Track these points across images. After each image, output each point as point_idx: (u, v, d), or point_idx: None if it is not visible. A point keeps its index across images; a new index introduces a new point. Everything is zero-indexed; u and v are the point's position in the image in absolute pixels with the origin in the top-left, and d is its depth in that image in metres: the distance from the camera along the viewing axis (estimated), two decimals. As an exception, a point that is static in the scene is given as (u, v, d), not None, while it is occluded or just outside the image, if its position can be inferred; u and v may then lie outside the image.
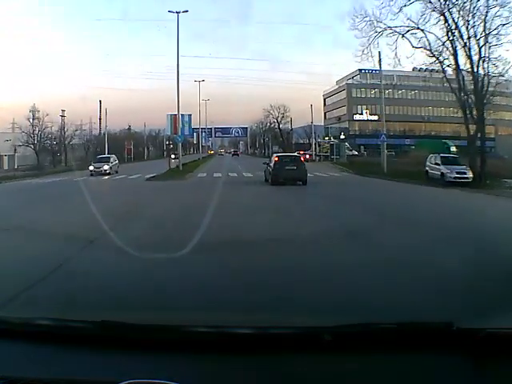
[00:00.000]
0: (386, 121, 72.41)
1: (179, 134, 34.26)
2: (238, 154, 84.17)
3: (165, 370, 1.39)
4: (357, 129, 72.54)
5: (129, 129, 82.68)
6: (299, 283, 4.34)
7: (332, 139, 63.63)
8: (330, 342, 1.46)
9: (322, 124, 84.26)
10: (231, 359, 1.45)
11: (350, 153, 51.57)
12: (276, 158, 20.22)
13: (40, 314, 1.84)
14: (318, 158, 48.77)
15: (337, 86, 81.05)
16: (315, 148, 54.81)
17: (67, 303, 3.47)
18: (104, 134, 58.00)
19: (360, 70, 75.79)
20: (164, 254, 5.08)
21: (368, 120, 72.59)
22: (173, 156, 35.91)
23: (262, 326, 1.64)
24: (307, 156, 46.59)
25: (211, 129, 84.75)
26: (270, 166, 20.21)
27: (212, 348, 1.47)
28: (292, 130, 73.96)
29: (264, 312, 2.99)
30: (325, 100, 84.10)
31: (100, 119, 56.50)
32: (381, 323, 1.63)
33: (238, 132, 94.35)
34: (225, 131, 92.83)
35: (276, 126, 74.68)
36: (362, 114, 72.95)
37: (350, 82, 74.72)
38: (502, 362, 1.40)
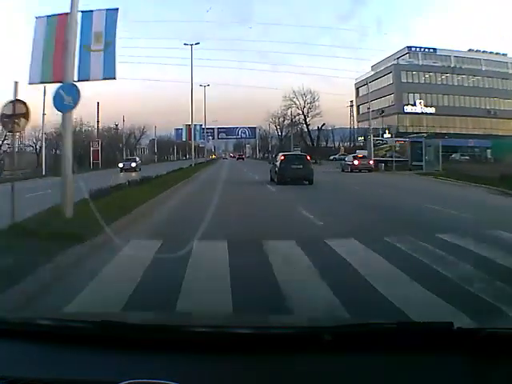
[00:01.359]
0: (443, 115, 54.60)
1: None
2: (242, 158, 78.50)
3: (165, 369, 1.38)
4: (408, 124, 54.08)
5: (116, 129, 67.68)
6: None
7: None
8: (330, 342, 1.45)
9: (348, 126, 67.94)
10: (231, 359, 1.43)
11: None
12: (282, 157, 19.73)
13: (40, 314, 1.89)
14: (382, 165, 30.61)
15: (373, 72, 62.99)
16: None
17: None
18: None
19: (409, 47, 57.56)
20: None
21: (422, 113, 54.14)
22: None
23: (262, 326, 1.64)
24: (370, 162, 28.42)
25: (213, 129, 71.55)
26: (276, 165, 19.75)
27: (212, 348, 1.46)
28: (324, 125, 55.22)
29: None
30: (357, 90, 65.84)
31: (98, 122, 53.32)
32: (381, 323, 1.61)
33: (244, 133, 79.97)
34: (229, 132, 78.74)
35: (300, 120, 55.54)
36: (414, 104, 54.53)
37: (393, 63, 56.25)
38: (501, 361, 1.38)
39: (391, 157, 34.74)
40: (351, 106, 71.22)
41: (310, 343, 1.45)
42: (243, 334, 1.54)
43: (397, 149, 36.61)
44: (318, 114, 54.01)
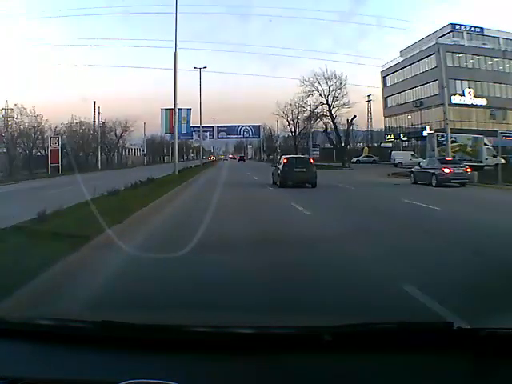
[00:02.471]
0: (495, 107, 44.08)
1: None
2: (243, 159, 78.38)
3: (165, 369, 1.37)
4: (452, 118, 43.30)
5: (102, 126, 59.55)
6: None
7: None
8: (330, 342, 1.44)
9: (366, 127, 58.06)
10: (231, 359, 1.43)
11: (493, 160, 25.97)
12: (285, 160, 19.25)
13: (40, 314, 1.85)
14: (475, 174, 19.94)
15: (402, 59, 52.63)
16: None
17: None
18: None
19: (453, 24, 47.00)
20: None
21: (472, 105, 43.52)
22: None
23: (262, 326, 1.63)
24: (468, 170, 17.82)
25: (212, 127, 66.13)
26: (278, 168, 19.21)
27: (212, 348, 1.46)
28: (355, 117, 44.36)
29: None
30: (384, 79, 55.44)
31: (94, 122, 51.42)
32: (381, 323, 1.59)
33: (247, 131, 70.98)
34: (230, 130, 69.86)
35: (324, 112, 43.72)
36: (462, 94, 43.95)
37: (434, 43, 45.53)
38: (502, 361, 1.38)
39: (460, 160, 24.48)
40: (369, 100, 60.96)
41: (310, 343, 1.45)
42: (243, 334, 1.53)
43: (468, 149, 26.44)
44: (345, 104, 43.42)
